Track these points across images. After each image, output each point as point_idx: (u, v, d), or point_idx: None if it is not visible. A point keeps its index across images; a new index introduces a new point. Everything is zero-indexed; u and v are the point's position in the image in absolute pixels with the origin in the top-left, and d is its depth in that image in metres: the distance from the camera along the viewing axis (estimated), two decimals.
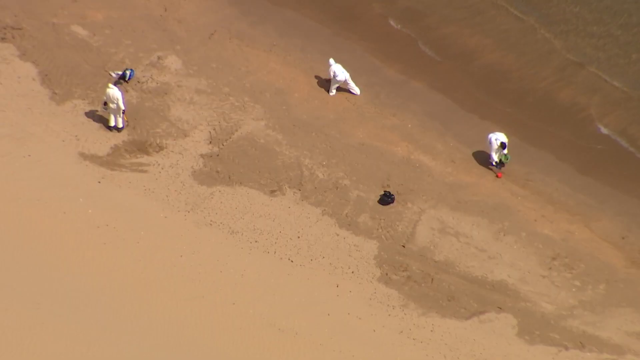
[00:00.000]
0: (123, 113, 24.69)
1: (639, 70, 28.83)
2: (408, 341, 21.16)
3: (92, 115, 25.29)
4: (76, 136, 24.69)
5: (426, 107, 27.36)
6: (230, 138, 25.41)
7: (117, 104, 24.39)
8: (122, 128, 24.98)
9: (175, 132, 25.34)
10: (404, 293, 22.20)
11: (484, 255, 23.32)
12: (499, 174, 25.41)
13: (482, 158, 25.84)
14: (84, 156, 24.21)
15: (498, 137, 25.11)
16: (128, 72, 26.51)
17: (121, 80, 26.24)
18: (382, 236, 23.43)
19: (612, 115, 27.62)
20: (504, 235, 23.87)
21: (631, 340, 21.75)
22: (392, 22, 30.19)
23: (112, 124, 24.87)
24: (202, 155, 24.80)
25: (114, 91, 24.32)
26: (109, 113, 24.73)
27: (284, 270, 22.26)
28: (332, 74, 26.91)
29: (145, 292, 21.11)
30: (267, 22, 29.54)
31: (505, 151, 25.25)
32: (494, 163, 25.40)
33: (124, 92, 25.01)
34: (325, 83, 27.55)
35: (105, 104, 24.52)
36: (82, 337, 19.77)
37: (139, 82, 26.61)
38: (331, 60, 26.99)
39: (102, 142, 24.67)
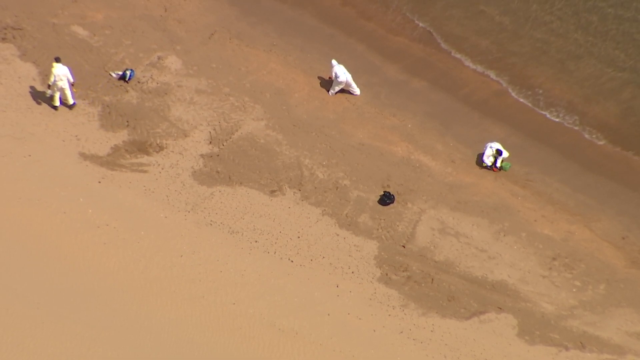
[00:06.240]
0: (72, 85, 24.84)
1: None
2: (408, 341, 21.17)
3: (92, 115, 25.29)
4: (76, 136, 24.68)
5: (426, 107, 27.35)
6: (230, 138, 25.40)
7: (67, 79, 24.58)
8: (74, 104, 25.14)
9: (175, 132, 25.33)
10: (404, 293, 22.20)
11: (484, 255, 23.32)
12: (494, 169, 25.48)
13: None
14: (84, 156, 24.20)
15: (493, 146, 25.31)
16: (128, 73, 26.52)
17: (119, 79, 26.36)
18: (382, 236, 23.43)
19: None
20: (504, 235, 23.87)
21: (631, 341, 21.76)
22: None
23: (57, 103, 24.97)
24: (202, 156, 24.79)
25: (61, 68, 24.44)
26: (54, 93, 24.74)
27: (284, 271, 22.26)
28: (334, 75, 26.89)
29: (145, 292, 21.11)
30: (267, 22, 29.52)
31: (506, 154, 25.29)
32: (489, 164, 25.40)
33: (70, 67, 25.07)
34: (325, 83, 27.54)
35: (49, 85, 24.61)
36: (82, 337, 19.77)
37: (139, 82, 26.60)
38: (334, 62, 26.96)
39: (102, 142, 24.67)
